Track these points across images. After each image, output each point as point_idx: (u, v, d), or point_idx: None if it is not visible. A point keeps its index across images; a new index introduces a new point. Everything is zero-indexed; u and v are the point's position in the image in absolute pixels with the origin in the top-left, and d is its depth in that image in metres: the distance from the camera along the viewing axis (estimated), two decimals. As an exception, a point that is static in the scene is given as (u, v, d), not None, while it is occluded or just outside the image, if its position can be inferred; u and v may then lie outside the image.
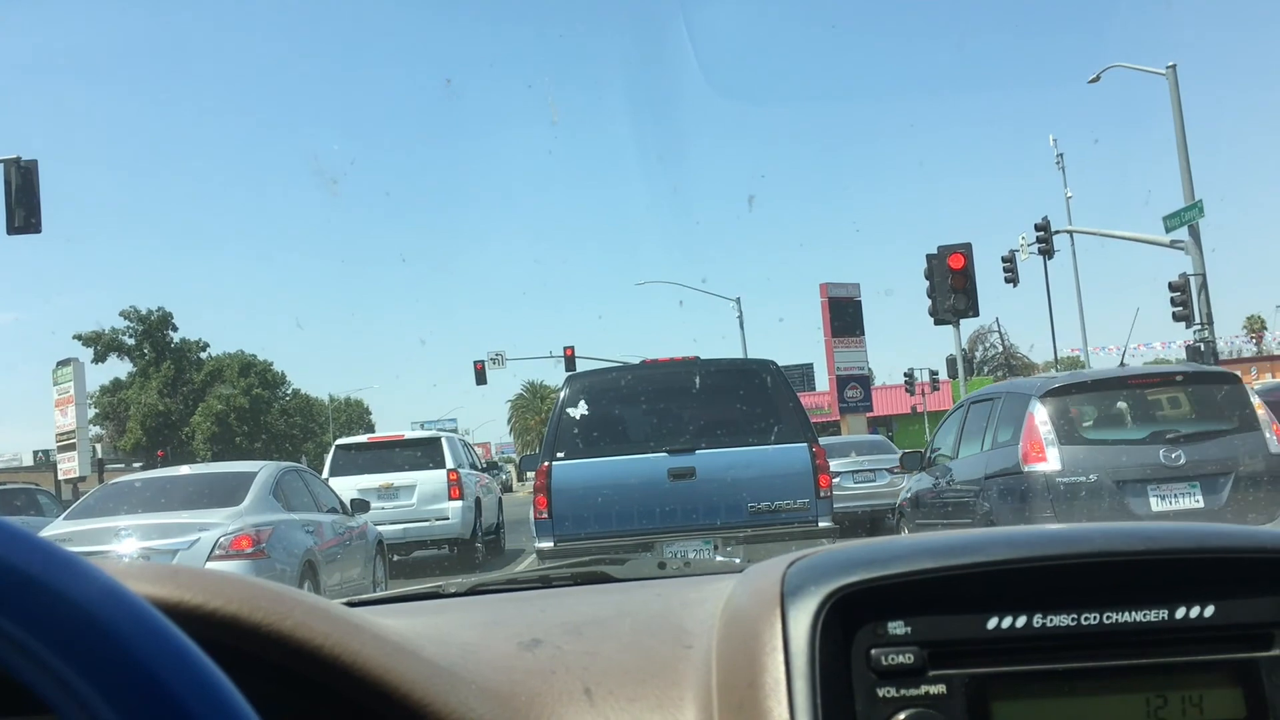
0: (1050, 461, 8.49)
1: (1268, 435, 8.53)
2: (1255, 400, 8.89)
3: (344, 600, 1.43)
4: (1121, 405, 9.18)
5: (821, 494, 9.01)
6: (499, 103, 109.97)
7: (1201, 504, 8.24)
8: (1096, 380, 9.54)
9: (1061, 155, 37.23)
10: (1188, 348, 27.86)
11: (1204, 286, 25.73)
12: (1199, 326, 25.83)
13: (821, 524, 8.99)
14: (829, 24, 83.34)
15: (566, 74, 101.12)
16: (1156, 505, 8.29)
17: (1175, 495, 8.32)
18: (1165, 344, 57.84)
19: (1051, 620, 1.08)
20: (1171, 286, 26.02)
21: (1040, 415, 8.66)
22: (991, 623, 1.08)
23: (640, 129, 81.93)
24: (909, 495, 11.81)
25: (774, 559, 1.23)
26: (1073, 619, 1.09)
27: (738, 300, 46.90)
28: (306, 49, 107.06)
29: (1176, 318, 26.09)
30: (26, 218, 17.85)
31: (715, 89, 72.35)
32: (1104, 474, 8.39)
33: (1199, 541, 1.17)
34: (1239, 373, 10.24)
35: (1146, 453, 8.45)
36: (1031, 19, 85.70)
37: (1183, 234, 26.19)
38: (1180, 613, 1.09)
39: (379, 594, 2.12)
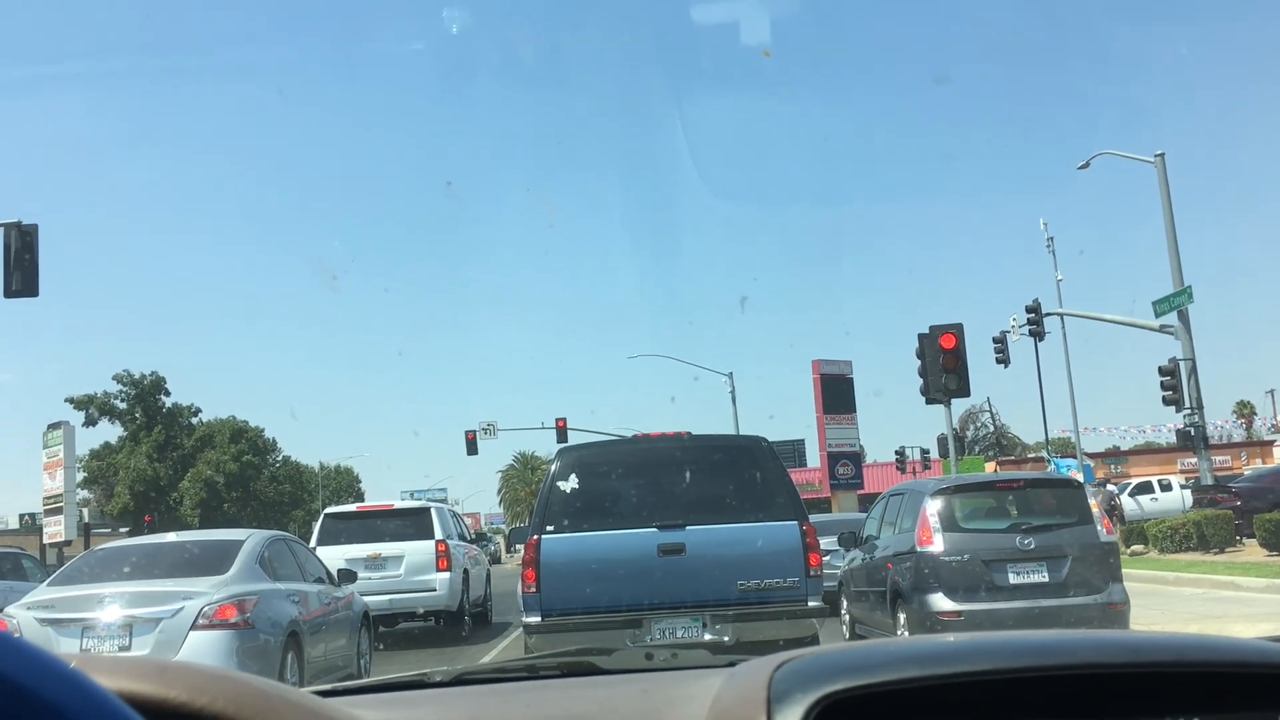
0: (937, 545, 10.76)
1: (1098, 528, 10.98)
2: (1091, 500, 11.46)
3: (330, 687, 1.42)
4: (990, 503, 11.81)
5: (812, 572, 8.96)
6: (498, 204, 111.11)
7: (1047, 579, 10.50)
8: (973, 483, 12.64)
9: (1052, 239, 37.52)
10: (1178, 432, 27.96)
11: (1194, 371, 25.87)
12: (1189, 411, 25.92)
13: (811, 603, 8.93)
14: (822, 135, 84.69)
15: (565, 177, 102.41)
16: (1013, 579, 10.53)
17: (1027, 572, 10.56)
18: (1155, 428, 58.03)
19: None
20: (1161, 371, 26.14)
21: (931, 509, 10.97)
22: None
23: (636, 230, 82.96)
24: (848, 568, 13.88)
25: (761, 659, 1.23)
26: None
27: (730, 375, 47.08)
28: (314, 148, 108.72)
29: (1166, 402, 26.16)
30: (24, 281, 17.93)
31: (710, 189, 73.41)
32: (975, 555, 10.68)
33: (1181, 654, 1.17)
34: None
35: (1006, 539, 10.80)
36: (1024, 107, 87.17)
37: (1172, 319, 26.38)
38: None
39: (366, 681, 2.08)
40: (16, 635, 0.65)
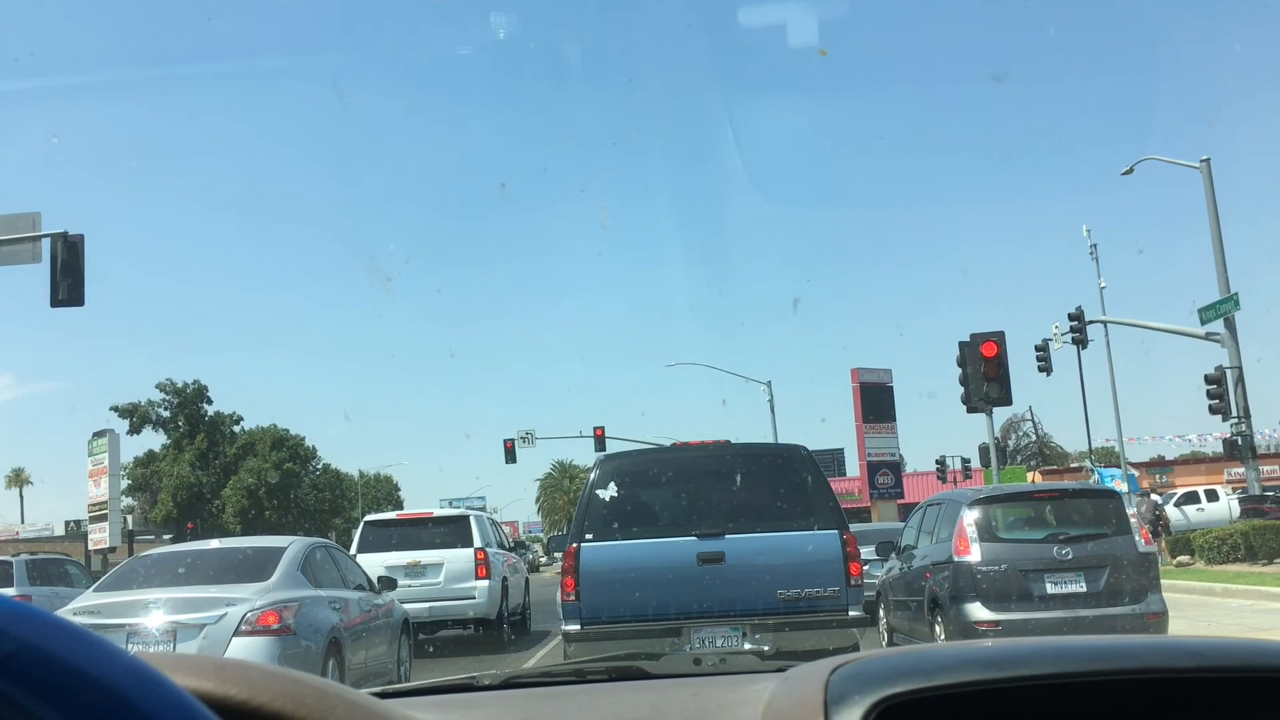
0: (974, 554, 10.82)
1: (1136, 538, 11.04)
2: (1129, 510, 11.36)
3: (378, 689, 1.42)
4: (1028, 513, 11.84)
5: (852, 582, 8.89)
6: (551, 206, 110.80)
7: (1084, 589, 10.53)
8: (1011, 493, 12.72)
9: (1095, 245, 37.03)
10: (1224, 441, 27.54)
11: (1240, 379, 25.48)
12: (1236, 420, 25.55)
13: (852, 612, 8.86)
14: (877, 135, 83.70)
15: (617, 179, 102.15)
16: (1051, 589, 10.57)
17: (1064, 582, 10.59)
18: (1201, 437, 57.18)
19: None
20: (1208, 379, 25.79)
21: (968, 519, 11.02)
22: None
23: (686, 233, 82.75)
24: (886, 577, 13.88)
25: (816, 663, 1.22)
26: None
27: (768, 384, 46.95)
28: (367, 153, 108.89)
29: (1213, 411, 25.81)
30: (70, 291, 18.20)
31: (761, 193, 73.23)
32: (1012, 565, 10.73)
33: (1248, 659, 1.12)
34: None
35: (1044, 549, 10.82)
36: (1074, 108, 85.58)
37: (1218, 326, 26.01)
38: None
39: (415, 684, 2.09)
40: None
